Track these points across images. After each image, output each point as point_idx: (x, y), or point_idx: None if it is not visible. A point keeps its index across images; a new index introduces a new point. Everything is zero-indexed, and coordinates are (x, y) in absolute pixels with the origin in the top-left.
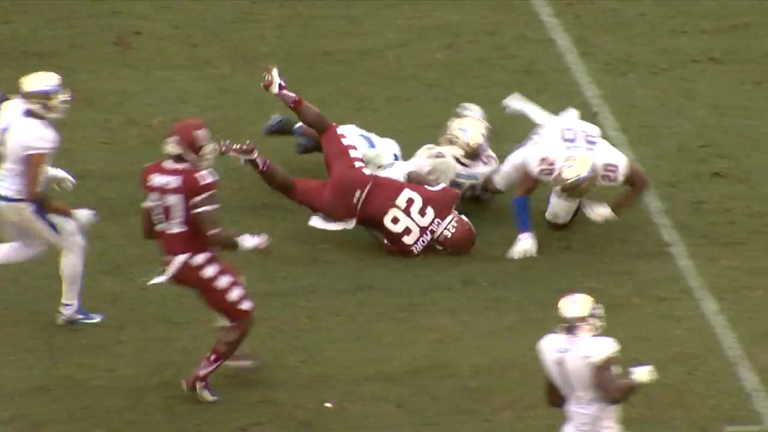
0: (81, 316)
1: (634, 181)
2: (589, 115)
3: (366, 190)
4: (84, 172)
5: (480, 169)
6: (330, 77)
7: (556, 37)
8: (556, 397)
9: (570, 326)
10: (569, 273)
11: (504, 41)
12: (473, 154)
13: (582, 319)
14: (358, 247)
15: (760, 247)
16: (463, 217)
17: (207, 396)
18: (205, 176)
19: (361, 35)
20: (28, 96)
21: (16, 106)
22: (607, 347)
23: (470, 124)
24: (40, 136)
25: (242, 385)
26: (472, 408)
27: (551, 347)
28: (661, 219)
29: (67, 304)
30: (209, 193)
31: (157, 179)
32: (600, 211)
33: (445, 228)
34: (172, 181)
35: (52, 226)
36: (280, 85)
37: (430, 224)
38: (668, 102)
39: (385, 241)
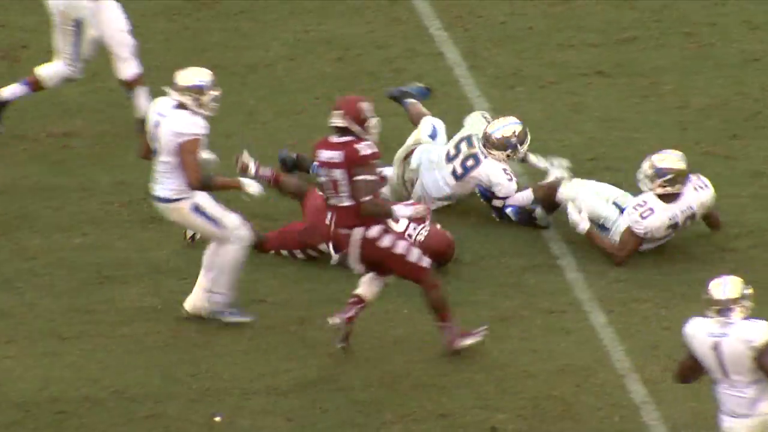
0: (227, 311)
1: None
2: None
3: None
4: None
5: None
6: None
7: (446, 50)
8: (691, 375)
9: (722, 309)
10: (459, 286)
11: (393, 54)
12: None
13: (735, 301)
14: (249, 260)
15: (648, 259)
16: (438, 225)
17: (468, 341)
18: (364, 147)
19: (251, 48)
20: (181, 90)
21: (163, 102)
22: (766, 329)
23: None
24: (192, 122)
25: (131, 400)
26: (363, 421)
27: (703, 331)
28: (550, 232)
29: (217, 293)
30: (368, 163)
31: (324, 154)
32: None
33: (419, 233)
34: (336, 155)
35: (214, 221)
36: (256, 164)
37: (406, 229)
38: (556, 115)
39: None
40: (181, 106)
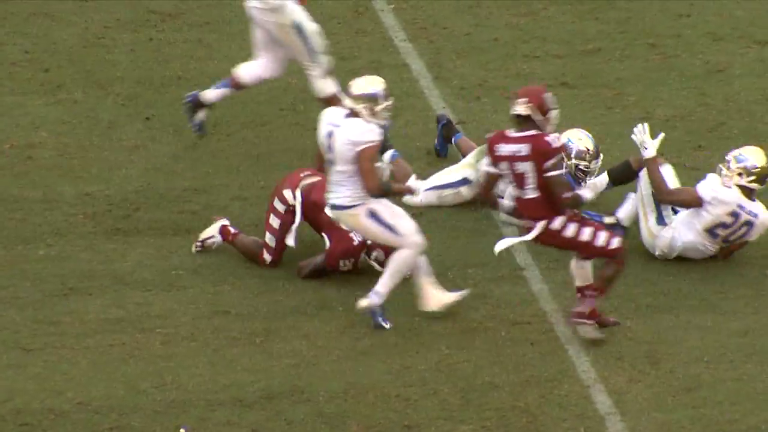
0: (380, 314)
1: None
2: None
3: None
4: None
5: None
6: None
7: (411, 61)
8: None
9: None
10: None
11: (358, 66)
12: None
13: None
14: (213, 271)
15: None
16: None
17: (591, 333)
18: (554, 140)
19: (215, 60)
20: (356, 98)
21: (335, 112)
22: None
23: (572, 135)
24: (368, 130)
25: (95, 412)
26: None
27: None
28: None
29: (376, 292)
30: (559, 156)
31: (505, 148)
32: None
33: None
34: (522, 148)
35: (388, 227)
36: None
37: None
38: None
39: (328, 244)
40: (354, 114)
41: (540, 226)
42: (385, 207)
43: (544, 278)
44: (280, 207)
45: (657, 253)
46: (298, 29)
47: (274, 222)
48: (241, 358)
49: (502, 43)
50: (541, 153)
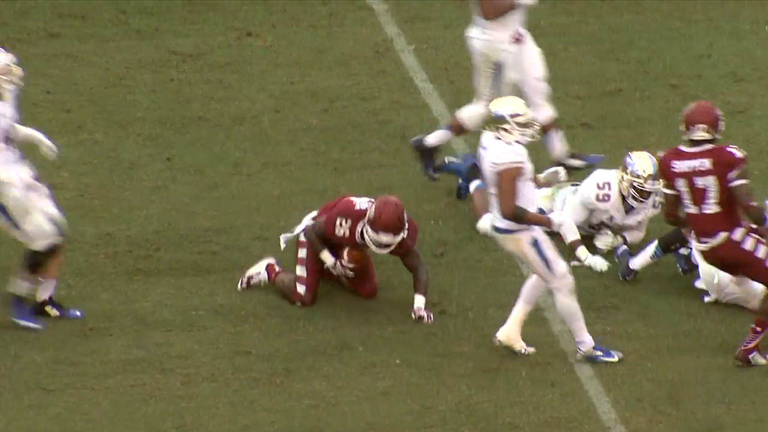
0: (600, 353)
1: None
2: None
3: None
4: None
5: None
6: (205, 142)
7: (431, 102)
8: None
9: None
10: (445, 337)
11: (379, 106)
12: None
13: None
14: (233, 312)
15: (634, 311)
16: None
17: (761, 360)
18: (736, 151)
19: (236, 100)
20: (489, 121)
21: (487, 135)
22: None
23: (639, 156)
24: (509, 151)
25: None
26: None
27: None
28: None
29: (580, 342)
30: (743, 166)
31: (684, 164)
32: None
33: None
34: (704, 162)
35: (546, 261)
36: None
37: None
38: (542, 167)
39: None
40: (497, 136)
41: (721, 237)
42: (546, 240)
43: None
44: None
45: (712, 297)
46: (499, 68)
47: (302, 253)
48: (261, 398)
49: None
50: (726, 164)
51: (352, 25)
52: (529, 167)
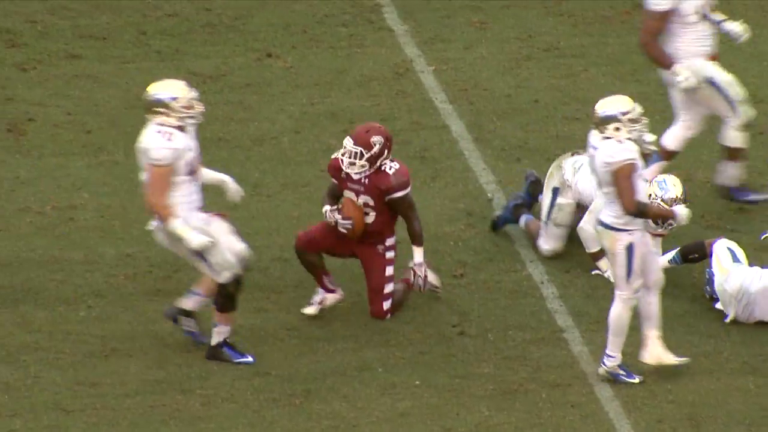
0: (623, 373)
1: None
2: (484, 201)
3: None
4: None
5: None
6: (224, 162)
7: (451, 123)
8: None
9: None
10: (465, 358)
11: (399, 127)
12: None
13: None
14: (253, 333)
15: None
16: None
17: None
18: None
19: (256, 121)
20: (598, 121)
21: (594, 134)
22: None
23: (669, 179)
24: (621, 149)
25: None
26: None
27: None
28: (556, 305)
29: (609, 356)
30: None
31: None
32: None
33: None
34: None
35: (630, 271)
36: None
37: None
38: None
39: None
40: (606, 135)
41: None
42: (641, 252)
43: (585, 340)
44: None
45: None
46: (712, 83)
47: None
48: (280, 419)
49: (542, 104)
50: None
51: (372, 47)
52: (640, 163)
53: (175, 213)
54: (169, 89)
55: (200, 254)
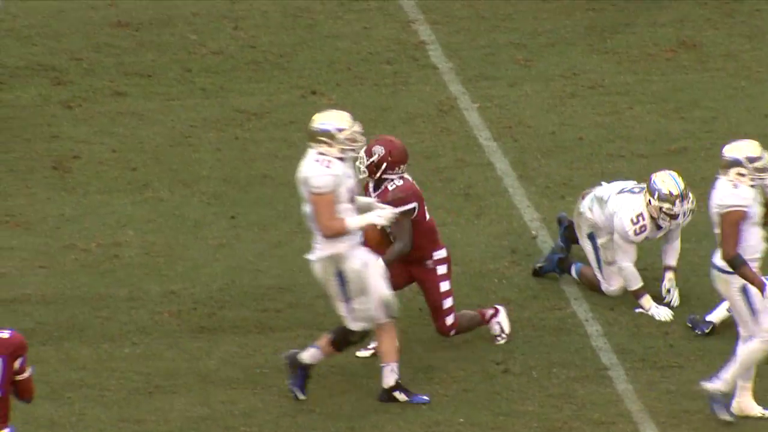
0: (721, 403)
1: None
2: (528, 238)
3: None
4: (21, 296)
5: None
6: (268, 200)
7: (495, 160)
8: None
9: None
10: (509, 396)
11: (443, 164)
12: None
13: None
14: None
15: (699, 371)
16: None
17: None
18: None
19: (300, 158)
20: (726, 163)
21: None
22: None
23: (658, 176)
24: (732, 194)
25: None
26: None
27: None
28: (601, 342)
29: (722, 380)
30: None
31: None
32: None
33: None
34: None
35: (753, 311)
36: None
37: None
38: None
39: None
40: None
41: None
42: (757, 292)
43: (629, 378)
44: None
45: None
46: None
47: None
48: None
49: (587, 142)
50: None
51: (416, 84)
52: (755, 211)
53: (346, 222)
54: (334, 120)
55: (347, 297)
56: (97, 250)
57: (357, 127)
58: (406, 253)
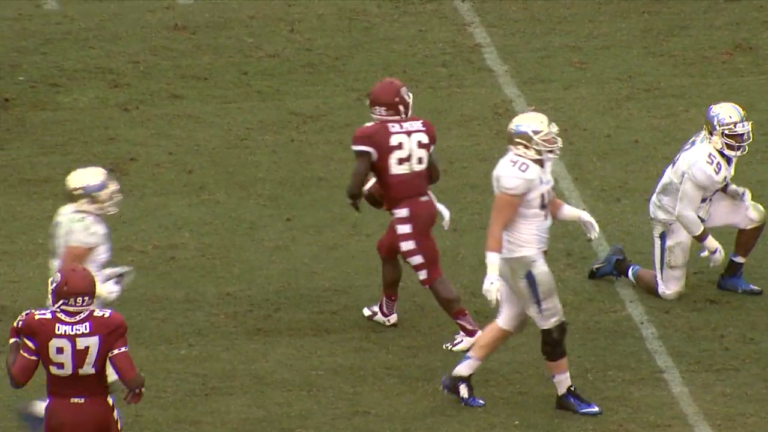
0: None
1: None
2: (583, 241)
3: None
4: None
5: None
6: (324, 202)
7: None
8: None
9: None
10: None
11: None
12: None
13: None
14: (353, 372)
15: (754, 374)
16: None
17: None
18: None
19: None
20: None
21: None
22: None
23: (720, 106)
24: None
25: None
26: None
27: None
28: (656, 345)
29: None
30: None
31: None
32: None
33: None
34: None
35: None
36: None
37: None
38: None
39: None
40: None
41: None
42: None
43: (685, 380)
44: None
45: None
46: None
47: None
48: None
49: (642, 144)
50: None
51: (471, 87)
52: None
53: (498, 247)
54: (531, 122)
55: (538, 299)
56: (154, 252)
57: (554, 129)
58: (355, 195)
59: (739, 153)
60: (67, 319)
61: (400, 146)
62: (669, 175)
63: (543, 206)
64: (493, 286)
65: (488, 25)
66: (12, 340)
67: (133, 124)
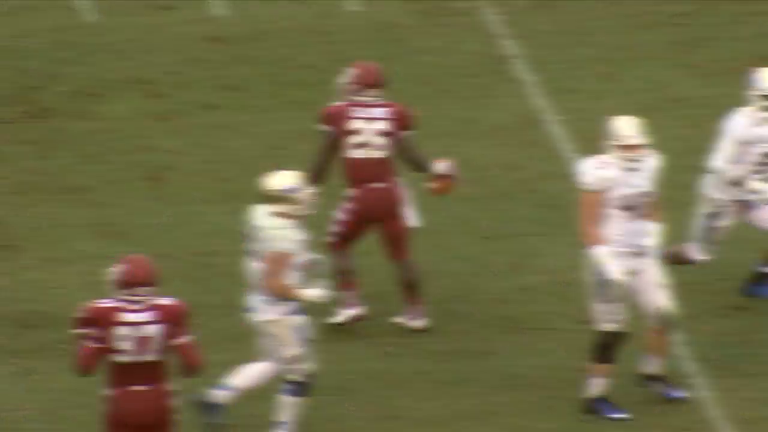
0: None
1: None
2: None
3: None
4: None
5: None
6: None
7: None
8: None
9: None
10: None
11: (525, 176)
12: None
13: None
14: (384, 376)
15: None
16: None
17: None
18: None
19: None
20: None
21: None
22: None
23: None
24: None
25: None
26: None
27: None
28: (682, 350)
29: None
30: None
31: None
32: None
33: None
34: None
35: None
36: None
37: None
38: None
39: None
40: None
41: None
42: None
43: (710, 385)
44: None
45: None
46: None
47: None
48: None
49: (669, 153)
50: None
51: (500, 97)
52: None
53: (600, 241)
54: (621, 128)
55: (603, 297)
56: (191, 259)
57: (636, 140)
58: (312, 170)
59: None
60: (130, 307)
61: (357, 132)
62: (710, 160)
63: (627, 208)
64: (615, 274)
65: (517, 36)
66: (76, 331)
67: (170, 133)
